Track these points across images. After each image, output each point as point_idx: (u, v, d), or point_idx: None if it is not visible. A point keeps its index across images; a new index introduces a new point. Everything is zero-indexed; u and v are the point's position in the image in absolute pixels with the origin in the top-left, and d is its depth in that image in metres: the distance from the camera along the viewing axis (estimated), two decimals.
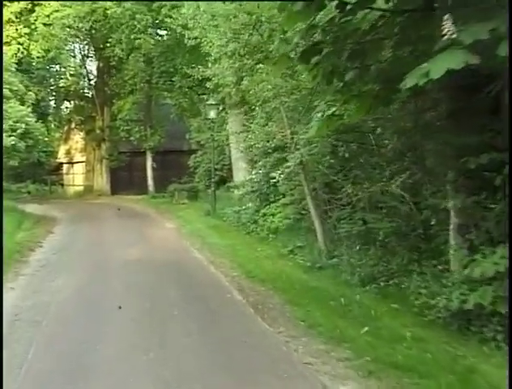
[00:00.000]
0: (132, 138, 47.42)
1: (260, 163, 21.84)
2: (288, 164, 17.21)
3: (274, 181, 18.91)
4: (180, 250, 19.40)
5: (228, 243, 19.91)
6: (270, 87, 16.95)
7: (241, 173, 30.00)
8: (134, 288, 13.77)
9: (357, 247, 14.56)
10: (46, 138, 42.89)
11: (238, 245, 19.12)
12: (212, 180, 29.55)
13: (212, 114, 27.78)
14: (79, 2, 39.58)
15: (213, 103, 28.10)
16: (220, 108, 30.71)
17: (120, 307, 11.46)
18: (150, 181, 48.57)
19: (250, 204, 22.23)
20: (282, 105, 17.17)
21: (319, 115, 10.02)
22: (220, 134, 34.48)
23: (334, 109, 9.68)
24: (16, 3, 40.89)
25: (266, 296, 13.15)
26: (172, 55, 41.49)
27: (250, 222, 21.82)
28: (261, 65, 16.77)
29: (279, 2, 7.60)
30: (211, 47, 23.07)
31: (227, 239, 20.68)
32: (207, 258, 17.39)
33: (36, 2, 41.76)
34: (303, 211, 18.57)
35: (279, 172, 18.51)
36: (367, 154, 13.79)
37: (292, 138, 17.17)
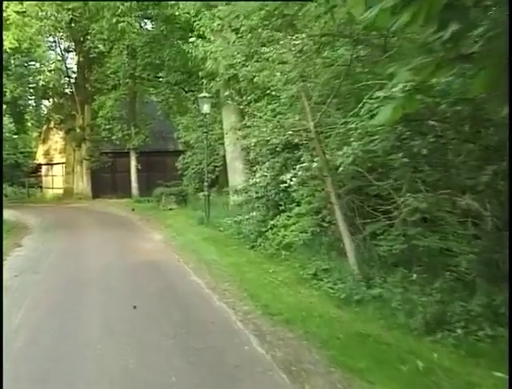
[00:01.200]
0: (114, 138, 43.98)
1: (267, 164, 18.06)
2: (312, 165, 13.43)
3: (285, 185, 15.15)
4: (171, 270, 15.54)
5: (230, 261, 16.11)
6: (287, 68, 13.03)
7: (237, 175, 26.52)
8: (114, 334, 9.97)
9: (414, 275, 10.76)
10: (15, 136, 39.36)
11: (244, 265, 15.36)
12: (206, 183, 25.85)
13: (206, 108, 24.07)
14: None
15: (206, 95, 24.29)
16: (213, 102, 27.02)
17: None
18: (134, 184, 44.82)
19: (254, 213, 18.41)
20: (304, 91, 13.32)
21: (397, 89, 6.07)
22: (213, 133, 31.02)
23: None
24: None
25: (298, 349, 9.39)
26: (159, 46, 37.69)
27: (255, 234, 18.02)
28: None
29: None
30: (211, 19, 19.62)
31: (228, 256, 16.94)
32: (207, 283, 13.56)
33: None
34: (324, 223, 14.66)
35: (290, 174, 14.88)
36: (452, 151, 9.79)
37: (317, 131, 13.34)
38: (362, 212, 14.13)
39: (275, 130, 15.74)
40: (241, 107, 21.02)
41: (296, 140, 15.82)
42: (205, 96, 25.37)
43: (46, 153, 55.96)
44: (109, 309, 11.65)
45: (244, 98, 21.27)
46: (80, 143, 48.58)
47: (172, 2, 29.61)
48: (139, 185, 44.95)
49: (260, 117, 16.85)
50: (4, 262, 17.48)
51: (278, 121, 15.53)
